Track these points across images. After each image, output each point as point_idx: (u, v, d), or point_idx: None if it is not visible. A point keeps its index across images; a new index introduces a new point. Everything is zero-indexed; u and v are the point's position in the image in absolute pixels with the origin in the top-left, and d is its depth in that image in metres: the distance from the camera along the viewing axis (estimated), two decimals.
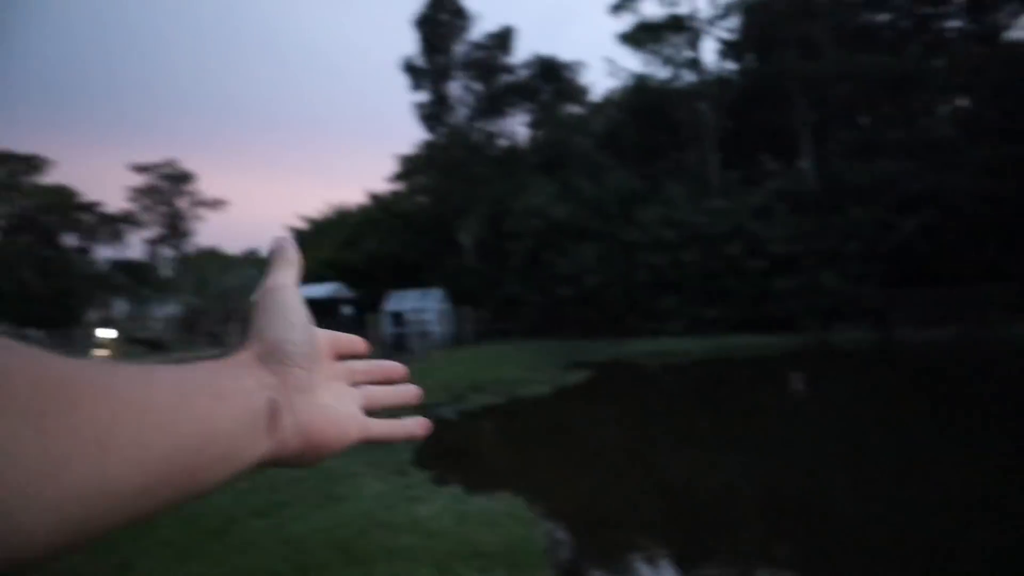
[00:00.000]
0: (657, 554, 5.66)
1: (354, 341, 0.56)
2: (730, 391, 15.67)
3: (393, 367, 0.59)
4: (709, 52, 34.08)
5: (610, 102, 37.19)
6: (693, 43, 33.26)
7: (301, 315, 0.48)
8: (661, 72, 34.73)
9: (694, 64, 33.48)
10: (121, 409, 0.35)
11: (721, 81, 33.53)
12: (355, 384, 0.54)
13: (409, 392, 0.59)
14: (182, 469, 0.37)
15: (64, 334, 39.96)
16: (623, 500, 7.19)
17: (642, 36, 34.23)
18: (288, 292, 0.49)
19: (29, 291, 54.21)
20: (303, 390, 0.46)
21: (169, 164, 61.85)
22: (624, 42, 34.77)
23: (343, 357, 0.54)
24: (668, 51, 34.20)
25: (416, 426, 0.57)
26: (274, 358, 0.45)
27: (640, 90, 34.59)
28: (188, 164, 73.46)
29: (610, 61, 36.07)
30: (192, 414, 0.38)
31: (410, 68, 37.30)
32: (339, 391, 0.51)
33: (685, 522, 6.45)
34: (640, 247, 28.42)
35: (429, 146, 37.89)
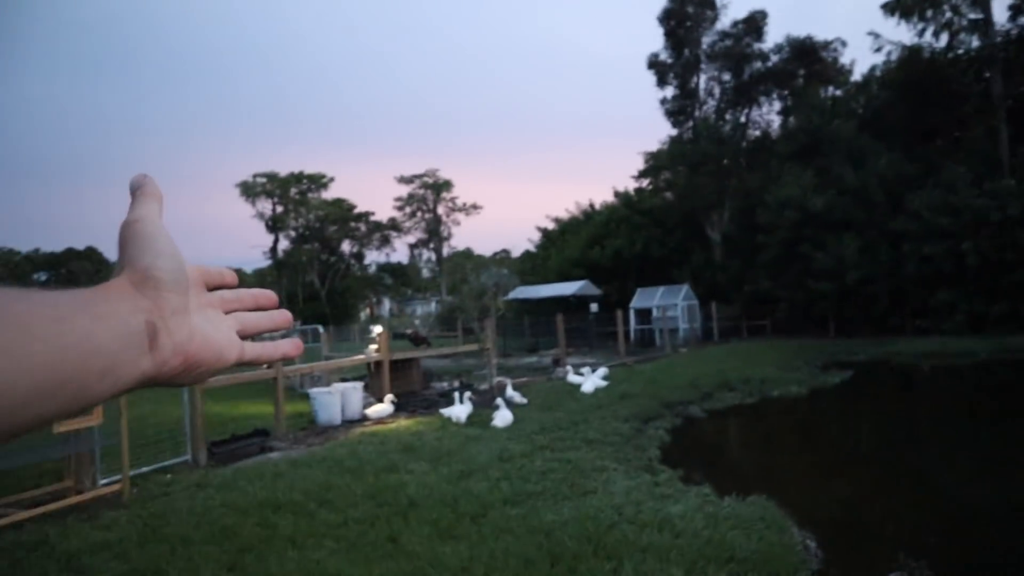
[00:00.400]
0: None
1: (223, 272, 0.59)
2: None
3: (262, 294, 0.61)
4: (999, 9, 29.46)
5: (874, 80, 34.00)
6: (980, 1, 29.21)
7: (169, 244, 0.50)
8: (936, 40, 31.07)
9: (980, 26, 29.46)
10: (5, 320, 0.37)
11: (1015, 41, 29.13)
12: (228, 312, 0.57)
13: (280, 317, 0.62)
14: (68, 380, 0.40)
15: (341, 330, 45.61)
16: (884, 513, 6.80)
17: (911, 2, 30.83)
18: (153, 223, 0.50)
19: (314, 292, 62.53)
20: (177, 313, 0.48)
21: (430, 174, 67.42)
22: (890, 12, 31.60)
23: (213, 288, 0.57)
24: (946, 15, 30.45)
25: (289, 346, 0.61)
26: (147, 284, 0.47)
27: (910, 63, 31.17)
28: (446, 172, 79.56)
29: (875, 35, 32.54)
30: (74, 330, 0.41)
31: (655, 64, 37.19)
32: (213, 317, 0.54)
33: (960, 544, 5.97)
34: (910, 237, 25.79)
35: (676, 141, 37.49)
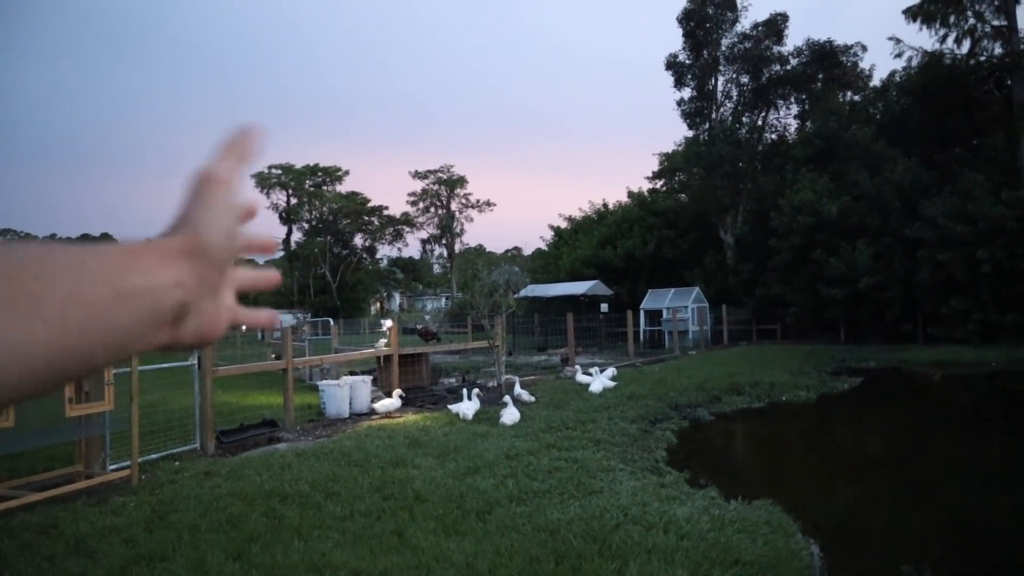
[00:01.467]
0: None
1: (264, 243, 0.56)
2: None
3: (267, 275, 0.59)
4: (1023, 16, 29.08)
5: (893, 85, 33.72)
6: (1004, 8, 28.86)
7: (234, 219, 0.48)
8: (957, 47, 30.77)
9: (1003, 33, 29.13)
10: (9, 295, 0.34)
11: None
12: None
13: (269, 276, 0.58)
14: (70, 357, 0.37)
15: (352, 323, 45.69)
16: (890, 521, 6.78)
17: (933, 8, 30.53)
18: (231, 190, 0.48)
19: (325, 284, 62.71)
20: (213, 293, 0.47)
21: (444, 169, 67.31)
22: (912, 18, 31.31)
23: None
24: (969, 21, 30.12)
25: (265, 317, 0.57)
26: (199, 256, 0.45)
27: (931, 69, 30.88)
28: (461, 169, 79.37)
29: (896, 40, 32.21)
30: (89, 308, 0.38)
31: (673, 65, 37.00)
32: (227, 293, 0.52)
33: (965, 554, 5.94)
34: (925, 244, 25.60)
35: (691, 143, 37.34)
